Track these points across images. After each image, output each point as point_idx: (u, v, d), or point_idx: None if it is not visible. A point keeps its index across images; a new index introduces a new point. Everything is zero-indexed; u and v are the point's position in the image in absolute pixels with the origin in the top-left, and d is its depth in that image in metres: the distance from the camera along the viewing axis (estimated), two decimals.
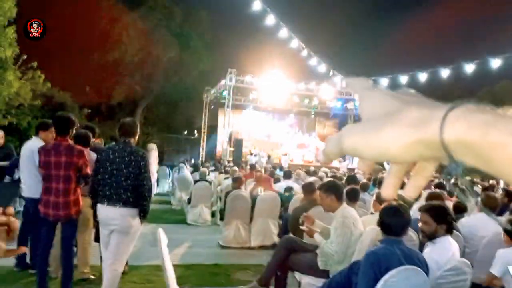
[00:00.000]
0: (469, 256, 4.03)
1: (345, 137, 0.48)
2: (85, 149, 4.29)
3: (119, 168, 3.81)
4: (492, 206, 4.64)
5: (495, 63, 13.95)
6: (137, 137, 4.09)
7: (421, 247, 3.85)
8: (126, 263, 4.38)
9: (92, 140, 5.18)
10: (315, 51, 18.87)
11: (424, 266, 2.68)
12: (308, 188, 5.68)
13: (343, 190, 4.07)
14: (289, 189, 7.74)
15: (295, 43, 18.03)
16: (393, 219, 2.68)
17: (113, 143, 4.13)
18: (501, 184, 11.59)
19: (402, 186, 0.51)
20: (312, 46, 18.96)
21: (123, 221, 3.81)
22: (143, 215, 3.91)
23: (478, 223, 4.56)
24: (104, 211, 3.86)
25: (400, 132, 0.44)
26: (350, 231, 3.78)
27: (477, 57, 14.46)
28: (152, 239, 3.11)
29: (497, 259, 3.45)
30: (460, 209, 4.99)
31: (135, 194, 3.82)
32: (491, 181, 11.46)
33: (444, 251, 3.02)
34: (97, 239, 4.54)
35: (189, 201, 9.34)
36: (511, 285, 3.20)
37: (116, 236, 3.85)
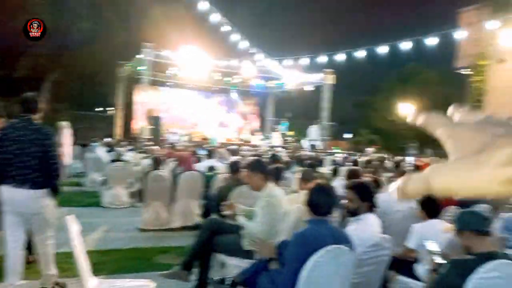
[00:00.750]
0: (385, 230, 4.21)
1: (435, 177, 0.49)
2: None
3: (24, 148, 3.55)
4: None
5: (405, 45, 14.92)
6: (39, 114, 3.78)
7: (342, 223, 3.94)
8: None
9: None
10: (237, 27, 18.62)
11: (350, 244, 2.70)
12: (234, 167, 5.61)
13: (269, 168, 4.01)
14: (211, 168, 7.59)
15: (216, 17, 17.59)
16: (322, 199, 2.65)
17: (15, 120, 3.70)
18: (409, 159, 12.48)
19: None
20: (234, 21, 18.66)
21: (34, 203, 3.63)
22: (55, 193, 3.77)
23: (393, 198, 4.76)
24: (10, 193, 3.59)
25: (493, 172, 0.45)
26: (275, 211, 3.76)
27: (389, 40, 15.39)
28: (63, 224, 2.82)
29: (412, 233, 3.63)
30: (377, 185, 5.18)
31: (43, 174, 3.61)
32: (396, 158, 12.32)
33: (367, 228, 3.08)
34: None
35: (103, 182, 8.85)
36: (424, 257, 3.36)
37: (33, 221, 3.72)
